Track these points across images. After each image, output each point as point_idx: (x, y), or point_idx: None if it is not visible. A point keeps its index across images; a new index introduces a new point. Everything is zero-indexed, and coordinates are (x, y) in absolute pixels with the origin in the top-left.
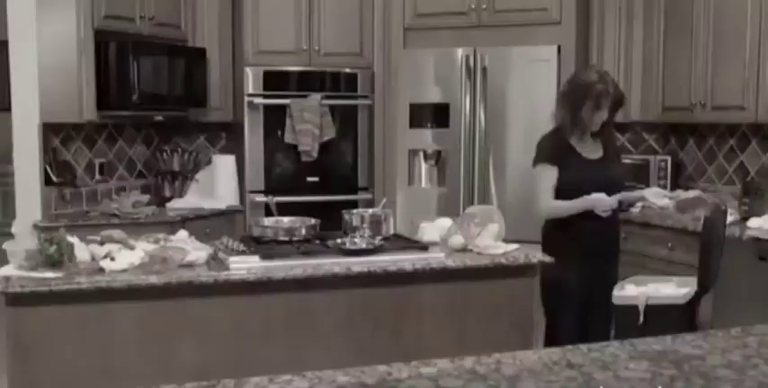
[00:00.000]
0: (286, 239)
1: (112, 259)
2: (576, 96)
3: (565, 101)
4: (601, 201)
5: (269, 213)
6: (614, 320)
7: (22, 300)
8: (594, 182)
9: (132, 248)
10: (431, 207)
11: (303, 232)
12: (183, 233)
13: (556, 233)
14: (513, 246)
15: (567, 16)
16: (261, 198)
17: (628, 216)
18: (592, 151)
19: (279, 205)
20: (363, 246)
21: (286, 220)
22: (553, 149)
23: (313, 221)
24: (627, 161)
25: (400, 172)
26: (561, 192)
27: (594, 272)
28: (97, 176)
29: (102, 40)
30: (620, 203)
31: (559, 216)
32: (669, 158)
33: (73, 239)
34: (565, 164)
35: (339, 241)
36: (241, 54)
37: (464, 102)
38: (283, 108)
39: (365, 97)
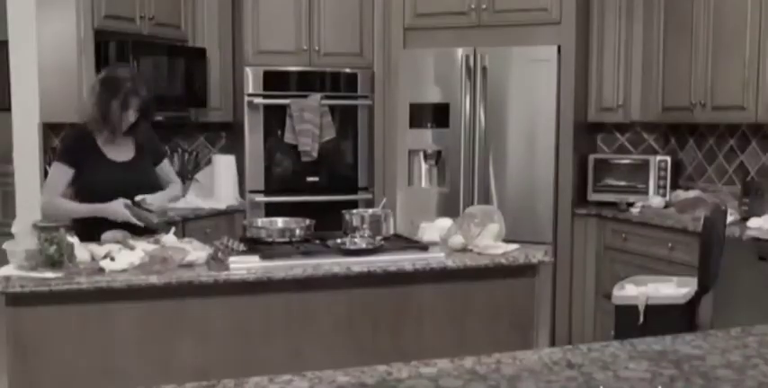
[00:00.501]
0: (285, 240)
1: (112, 259)
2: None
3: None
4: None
5: (269, 213)
6: (614, 320)
7: (22, 300)
8: (115, 186)
9: (132, 248)
10: (431, 207)
11: (297, 232)
12: (171, 238)
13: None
14: (513, 246)
15: (567, 16)
16: (260, 198)
17: (627, 216)
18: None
19: (278, 205)
20: (363, 246)
21: (280, 221)
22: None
23: (308, 221)
24: (626, 161)
25: (400, 172)
26: (80, 193)
27: None
28: None
29: (102, 40)
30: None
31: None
32: (669, 158)
33: (73, 239)
34: (85, 164)
35: (339, 241)
36: (241, 54)
37: (464, 102)
38: (283, 108)
39: (365, 97)
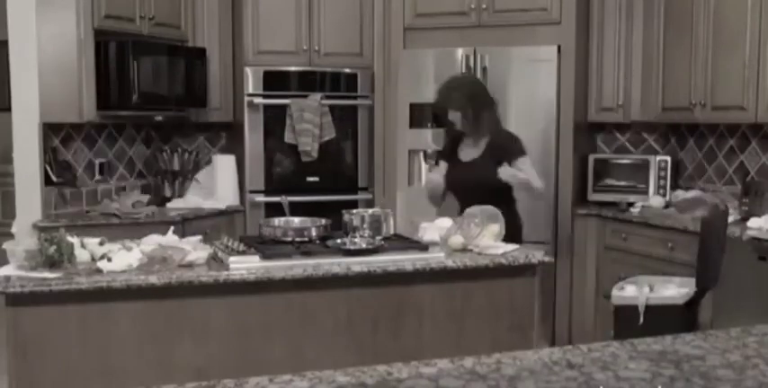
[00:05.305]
0: (288, 239)
1: (109, 260)
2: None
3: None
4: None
5: (269, 213)
6: (614, 320)
7: (22, 300)
8: (459, 184)
9: (130, 249)
10: (431, 207)
11: (313, 233)
12: (171, 238)
13: None
14: (513, 246)
15: (567, 16)
16: (261, 198)
17: (628, 216)
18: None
19: (279, 205)
20: (363, 246)
21: (297, 220)
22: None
23: (324, 221)
24: (626, 161)
25: (400, 172)
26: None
27: None
28: (97, 176)
29: (102, 40)
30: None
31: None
32: (669, 158)
33: (73, 239)
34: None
35: (339, 241)
36: (241, 54)
37: None
38: (283, 108)
39: (365, 97)
